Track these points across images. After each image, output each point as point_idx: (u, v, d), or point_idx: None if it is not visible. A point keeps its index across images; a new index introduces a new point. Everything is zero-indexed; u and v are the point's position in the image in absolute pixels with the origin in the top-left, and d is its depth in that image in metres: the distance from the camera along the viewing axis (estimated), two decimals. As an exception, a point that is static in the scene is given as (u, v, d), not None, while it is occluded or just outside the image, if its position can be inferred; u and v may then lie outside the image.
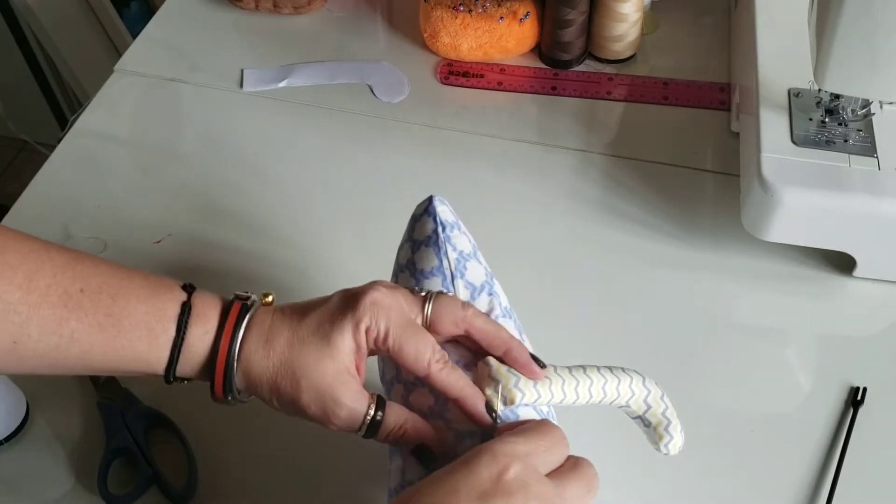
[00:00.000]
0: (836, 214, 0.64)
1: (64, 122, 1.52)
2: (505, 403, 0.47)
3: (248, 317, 0.47)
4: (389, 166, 0.79)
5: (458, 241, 0.54)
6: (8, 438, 0.62)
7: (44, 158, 0.81)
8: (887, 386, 0.63)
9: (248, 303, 0.48)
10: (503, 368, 0.48)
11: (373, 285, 0.48)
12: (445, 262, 0.53)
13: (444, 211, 0.55)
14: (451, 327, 0.48)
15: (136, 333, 0.45)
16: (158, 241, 0.74)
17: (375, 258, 0.72)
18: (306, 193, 0.77)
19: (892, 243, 0.65)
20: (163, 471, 0.60)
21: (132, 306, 0.45)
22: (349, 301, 0.47)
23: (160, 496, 0.60)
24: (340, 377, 0.46)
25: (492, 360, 0.48)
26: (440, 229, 0.54)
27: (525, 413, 0.49)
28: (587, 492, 0.43)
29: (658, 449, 0.51)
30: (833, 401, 0.63)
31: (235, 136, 0.83)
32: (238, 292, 0.49)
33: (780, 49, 0.72)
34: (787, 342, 0.67)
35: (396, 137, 0.82)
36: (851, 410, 0.62)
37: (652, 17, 0.90)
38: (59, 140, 0.83)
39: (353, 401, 0.46)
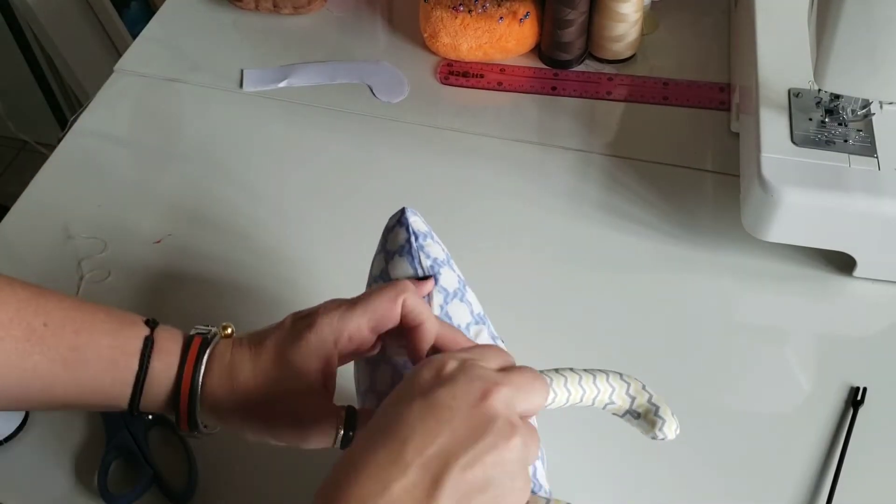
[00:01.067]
0: (835, 214, 0.64)
1: (64, 122, 1.52)
2: None
3: (208, 350, 0.48)
4: (389, 166, 0.79)
5: (431, 249, 0.55)
6: (8, 438, 0.62)
7: (44, 158, 0.81)
8: (887, 386, 0.63)
9: (209, 336, 0.49)
10: None
11: (321, 304, 0.49)
12: (420, 271, 0.54)
13: (416, 221, 0.56)
14: (387, 303, 0.48)
15: (100, 367, 0.46)
16: (159, 241, 0.74)
17: (372, 257, 0.72)
18: (307, 193, 0.77)
19: (892, 243, 0.65)
20: (163, 471, 0.60)
21: (96, 340, 0.46)
22: (305, 322, 0.48)
23: (160, 496, 0.60)
24: (306, 399, 0.47)
25: None
26: (413, 238, 0.54)
27: None
28: (533, 380, 0.43)
29: (654, 437, 0.51)
30: (833, 401, 0.63)
31: (235, 136, 0.83)
32: (198, 326, 0.49)
33: (780, 49, 0.72)
34: (786, 342, 0.67)
35: (396, 137, 0.82)
36: (851, 410, 0.62)
37: (652, 17, 0.90)
38: (59, 140, 0.83)
39: (323, 420, 0.47)
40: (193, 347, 0.48)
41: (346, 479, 0.37)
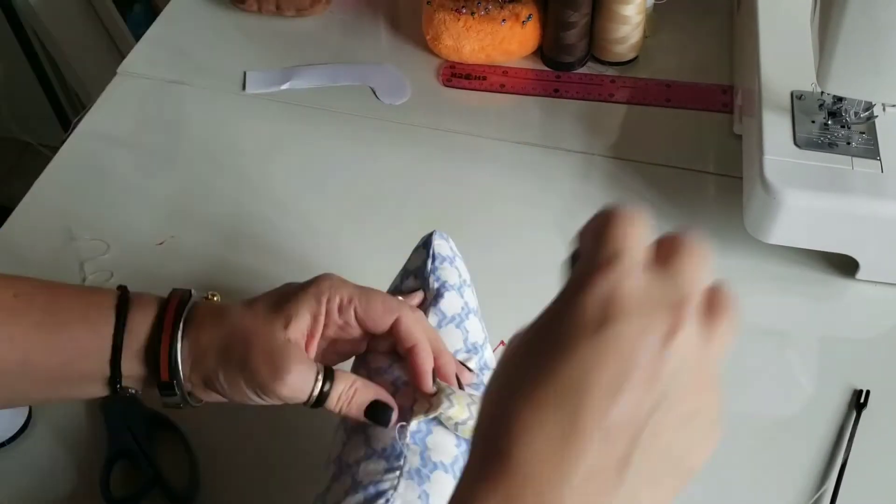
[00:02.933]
0: (838, 217, 0.64)
1: (67, 124, 1.52)
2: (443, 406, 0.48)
3: (189, 303, 0.48)
4: (391, 168, 0.79)
5: (445, 272, 0.56)
6: (10, 440, 0.62)
7: (47, 160, 0.81)
8: (891, 389, 0.63)
9: (186, 295, 0.48)
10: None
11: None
12: (426, 292, 0.55)
13: (440, 245, 0.57)
14: (382, 309, 0.49)
15: (77, 326, 0.45)
16: (161, 243, 0.74)
17: (376, 259, 0.72)
18: (308, 195, 0.77)
19: (894, 246, 0.65)
20: (165, 472, 0.60)
21: (68, 302, 0.46)
22: (306, 283, 0.49)
23: (162, 498, 0.60)
24: (290, 345, 0.46)
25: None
26: (430, 261, 0.56)
27: (444, 441, 0.48)
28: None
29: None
30: (836, 404, 0.62)
31: (238, 137, 0.83)
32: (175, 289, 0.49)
33: (783, 51, 0.72)
34: (789, 345, 0.67)
35: (399, 139, 0.82)
36: (854, 413, 0.61)
37: (654, 19, 0.90)
38: (63, 142, 0.83)
39: (303, 366, 0.46)
40: (173, 300, 0.47)
41: (501, 457, 0.28)
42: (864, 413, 0.61)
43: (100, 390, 0.47)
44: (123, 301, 0.47)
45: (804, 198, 0.63)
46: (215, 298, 0.50)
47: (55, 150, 0.83)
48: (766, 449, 0.60)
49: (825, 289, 0.69)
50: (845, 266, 0.69)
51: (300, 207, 0.77)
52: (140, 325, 0.47)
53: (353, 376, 0.48)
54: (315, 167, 0.80)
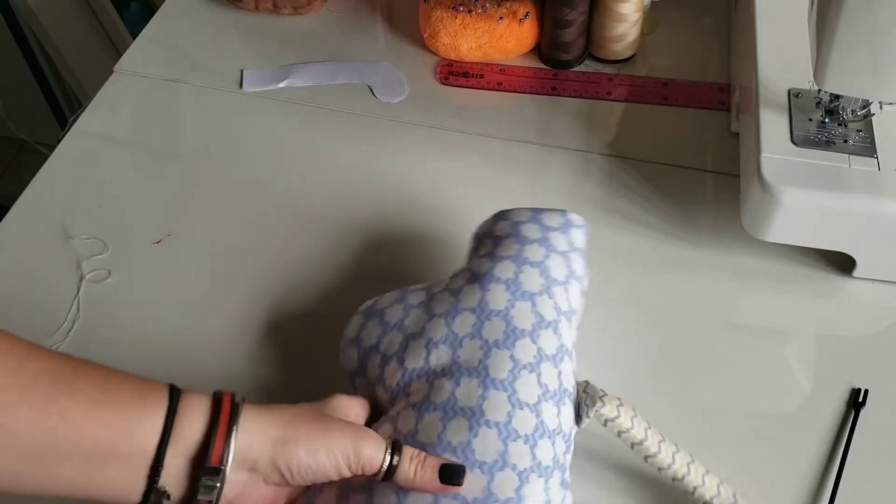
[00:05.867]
0: (835, 215, 0.64)
1: (64, 123, 1.52)
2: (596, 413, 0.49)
3: (242, 399, 0.48)
4: (389, 166, 0.79)
5: (549, 304, 0.53)
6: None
7: (44, 158, 0.81)
8: (889, 388, 0.63)
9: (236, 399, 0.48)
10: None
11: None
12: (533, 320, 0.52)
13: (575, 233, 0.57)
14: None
15: (129, 404, 0.45)
16: (159, 241, 0.74)
17: (374, 259, 0.72)
18: (305, 193, 0.77)
19: (892, 244, 0.65)
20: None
21: (124, 382, 0.46)
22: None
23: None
24: (359, 430, 0.48)
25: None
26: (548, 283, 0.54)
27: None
28: None
29: None
30: (834, 403, 0.62)
31: (235, 136, 0.83)
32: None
33: (780, 49, 0.72)
34: (786, 343, 0.67)
35: (396, 138, 0.82)
36: (853, 413, 0.62)
37: (652, 17, 0.90)
38: (59, 140, 0.83)
39: (374, 436, 0.48)
40: (227, 395, 0.47)
41: None
42: (863, 412, 0.61)
43: (134, 480, 0.46)
44: (174, 391, 0.47)
45: (801, 196, 0.63)
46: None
47: (52, 148, 0.82)
48: (763, 448, 0.60)
49: (822, 287, 0.69)
50: (842, 264, 0.69)
51: (298, 205, 0.77)
52: (193, 421, 0.46)
53: (411, 448, 0.48)
54: (312, 165, 0.80)
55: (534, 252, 0.55)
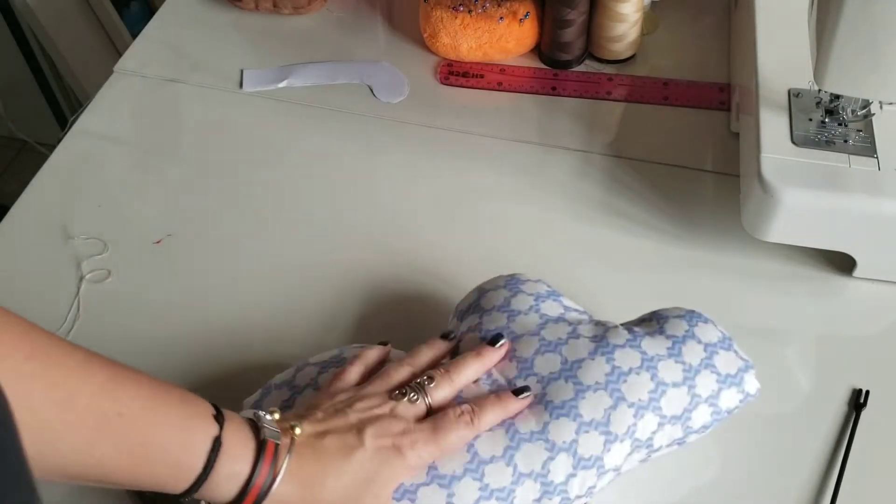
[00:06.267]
0: (835, 215, 0.64)
1: (64, 123, 1.52)
2: None
3: (285, 464, 0.47)
4: (389, 166, 0.79)
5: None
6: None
7: (44, 158, 0.81)
8: (890, 388, 0.63)
9: (279, 442, 0.48)
10: None
11: (399, 423, 0.51)
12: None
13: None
14: (449, 397, 0.54)
15: (164, 465, 0.45)
16: (158, 241, 0.74)
17: (374, 259, 0.72)
18: (306, 193, 0.77)
19: (892, 243, 0.65)
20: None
21: (166, 438, 0.45)
22: (392, 451, 0.50)
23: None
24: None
25: None
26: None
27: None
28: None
29: None
30: (835, 403, 0.62)
31: (235, 136, 0.83)
32: (268, 426, 0.48)
33: (780, 49, 0.72)
34: (787, 343, 0.67)
35: (396, 138, 0.82)
36: (854, 413, 0.61)
37: (652, 17, 0.90)
38: (59, 140, 0.83)
39: None
40: (267, 457, 0.47)
41: None
42: (864, 413, 0.61)
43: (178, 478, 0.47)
44: (215, 447, 0.46)
45: (801, 196, 0.63)
46: (297, 431, 0.49)
47: (52, 148, 0.82)
48: (764, 448, 0.60)
49: (822, 287, 0.69)
50: (843, 264, 0.69)
51: (298, 205, 0.76)
52: (226, 481, 0.46)
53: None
54: (312, 165, 0.80)
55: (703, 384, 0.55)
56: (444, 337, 0.58)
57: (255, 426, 0.48)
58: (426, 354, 0.56)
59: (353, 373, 0.55)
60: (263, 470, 0.46)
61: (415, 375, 0.54)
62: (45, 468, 0.43)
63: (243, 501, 0.46)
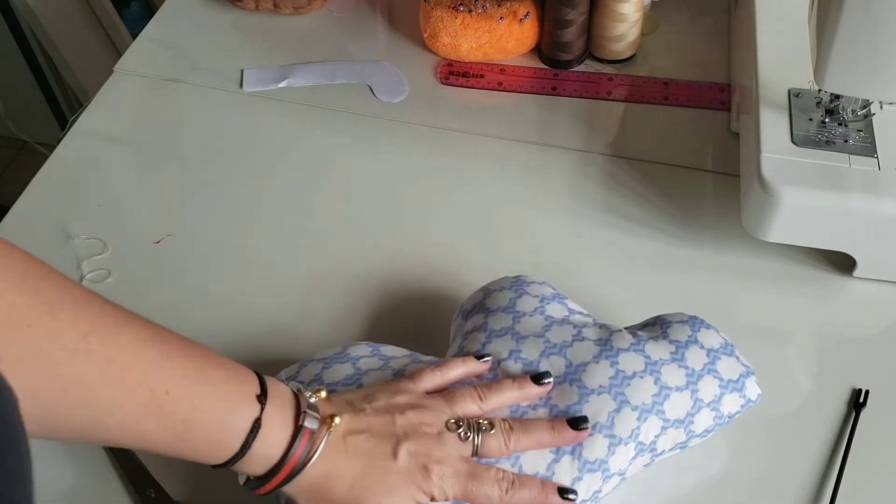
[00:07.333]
0: (835, 215, 0.64)
1: (64, 122, 1.52)
2: None
3: (318, 452, 0.48)
4: (389, 166, 0.79)
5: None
6: (8, 439, 0.62)
7: (44, 158, 0.81)
8: (890, 388, 0.63)
9: (316, 429, 0.49)
10: None
11: (439, 451, 0.50)
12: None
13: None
14: (498, 456, 0.52)
15: (204, 443, 0.46)
16: (158, 241, 0.74)
17: (374, 259, 0.72)
18: (306, 194, 0.77)
19: (892, 243, 0.65)
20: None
21: (208, 419, 0.46)
22: (421, 472, 0.49)
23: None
24: None
25: None
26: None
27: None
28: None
29: None
30: (834, 403, 0.62)
31: (235, 136, 0.83)
32: (309, 411, 0.49)
33: (780, 49, 0.72)
34: (787, 343, 0.67)
35: (396, 137, 0.82)
36: (854, 413, 0.61)
37: (652, 17, 0.90)
38: (59, 140, 0.83)
39: None
40: (301, 444, 0.48)
41: None
42: (864, 413, 0.61)
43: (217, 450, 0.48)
44: (255, 429, 0.47)
45: (801, 195, 0.63)
46: (336, 420, 0.50)
47: (52, 148, 0.82)
48: (764, 448, 0.60)
49: (823, 287, 0.69)
50: (843, 264, 0.69)
51: (297, 206, 0.76)
52: (260, 460, 0.48)
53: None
54: (312, 165, 0.80)
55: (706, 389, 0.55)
56: (478, 358, 0.56)
57: (297, 408, 0.49)
58: (458, 369, 0.55)
59: (427, 381, 0.54)
60: (296, 454, 0.48)
61: (480, 416, 0.53)
62: (93, 439, 0.44)
63: (271, 480, 0.48)
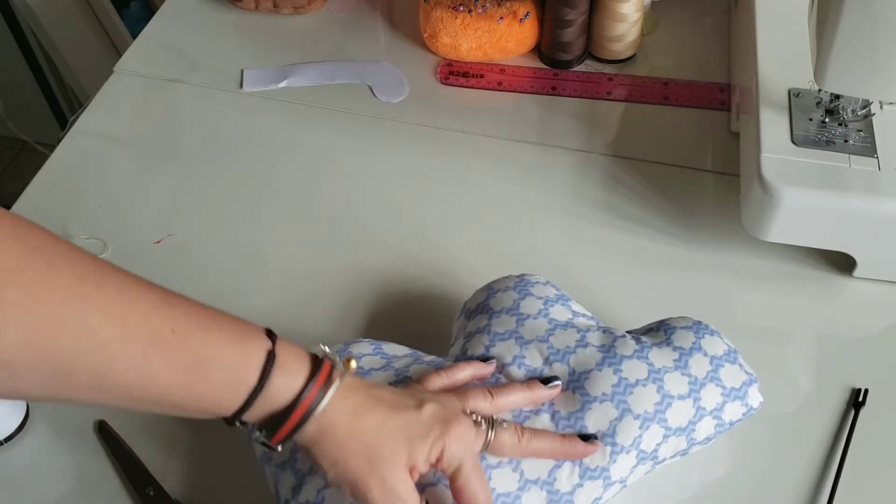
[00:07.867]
0: (835, 214, 0.64)
1: (64, 123, 1.52)
2: None
3: (338, 382, 0.47)
4: (389, 166, 0.79)
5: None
6: (8, 438, 0.62)
7: (44, 158, 0.81)
8: (889, 387, 0.63)
9: (334, 363, 0.48)
10: None
11: (460, 418, 0.50)
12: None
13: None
14: (510, 454, 0.52)
15: (220, 380, 0.45)
16: (158, 242, 0.74)
17: (373, 258, 0.72)
18: (306, 193, 0.77)
19: (891, 243, 0.65)
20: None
21: (220, 351, 0.45)
22: (442, 424, 0.49)
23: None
24: (408, 477, 0.48)
25: None
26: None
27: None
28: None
29: None
30: (834, 402, 0.62)
31: (235, 136, 0.83)
32: (326, 350, 0.48)
33: (780, 49, 0.72)
34: (787, 343, 0.67)
35: (396, 137, 0.82)
36: (853, 412, 0.61)
37: (652, 17, 0.90)
38: (59, 140, 0.83)
39: (413, 499, 0.48)
40: (323, 371, 0.47)
41: None
42: (863, 412, 0.61)
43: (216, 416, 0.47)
44: (270, 360, 0.46)
45: (801, 195, 0.63)
46: (353, 364, 0.49)
47: (52, 148, 0.82)
48: (764, 447, 0.60)
49: (822, 287, 0.69)
50: (843, 264, 0.69)
51: (297, 205, 0.77)
52: (279, 393, 0.46)
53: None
54: (312, 165, 0.80)
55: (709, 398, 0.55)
56: (483, 360, 0.57)
57: (310, 352, 0.48)
58: (464, 371, 0.55)
59: (435, 383, 0.54)
60: (315, 387, 0.46)
61: (492, 413, 0.53)
62: (105, 391, 0.43)
63: (289, 418, 0.46)
